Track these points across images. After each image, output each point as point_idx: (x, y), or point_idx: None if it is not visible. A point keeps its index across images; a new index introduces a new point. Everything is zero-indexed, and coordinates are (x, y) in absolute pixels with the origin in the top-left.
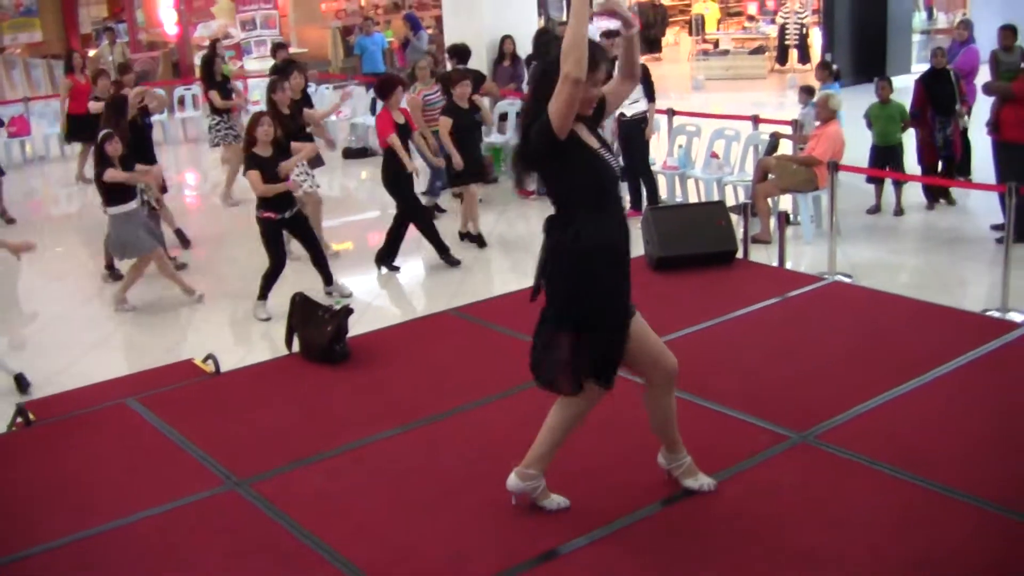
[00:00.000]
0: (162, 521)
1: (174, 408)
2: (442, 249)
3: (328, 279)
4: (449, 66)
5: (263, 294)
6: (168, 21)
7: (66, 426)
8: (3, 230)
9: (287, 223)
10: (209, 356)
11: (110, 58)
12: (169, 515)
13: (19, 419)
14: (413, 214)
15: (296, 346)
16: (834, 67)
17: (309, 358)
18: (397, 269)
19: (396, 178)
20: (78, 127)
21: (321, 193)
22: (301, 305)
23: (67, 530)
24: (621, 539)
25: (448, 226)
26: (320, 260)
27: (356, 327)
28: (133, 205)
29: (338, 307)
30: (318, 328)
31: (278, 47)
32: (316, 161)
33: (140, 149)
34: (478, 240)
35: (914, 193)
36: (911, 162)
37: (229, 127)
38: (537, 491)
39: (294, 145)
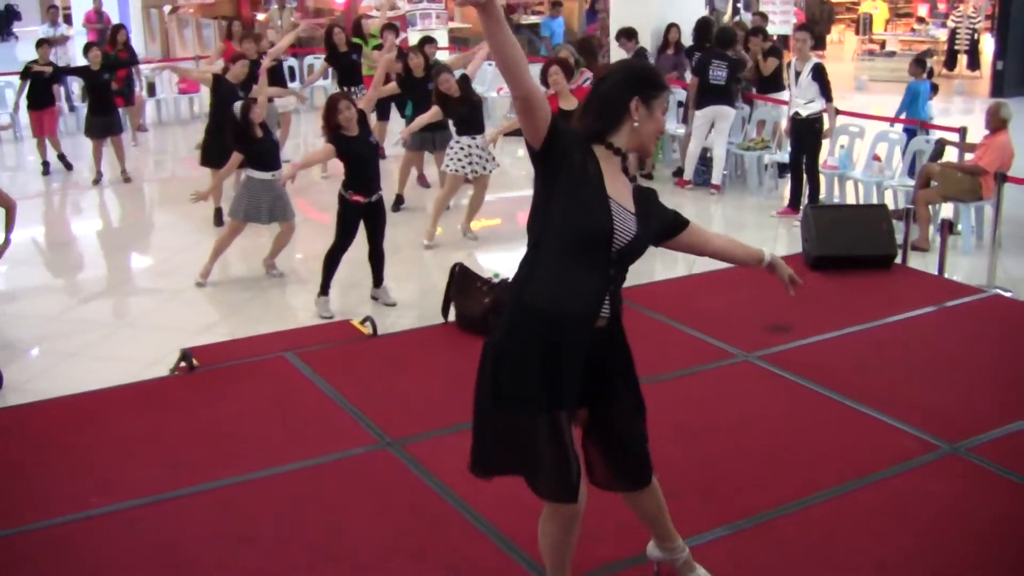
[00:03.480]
0: (313, 473)
1: (331, 365)
2: None
3: (379, 280)
4: (623, 51)
5: (325, 287)
6: None
7: (226, 374)
8: (121, 187)
9: (369, 209)
10: (367, 318)
11: (279, 22)
12: (321, 468)
13: (183, 364)
14: None
15: (452, 315)
16: (929, 65)
17: (464, 328)
18: None
19: None
20: None
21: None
22: (460, 276)
23: (221, 474)
24: (759, 534)
25: None
26: (377, 258)
27: None
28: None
29: (496, 280)
30: (475, 299)
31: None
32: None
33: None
34: None
35: None
36: None
37: None
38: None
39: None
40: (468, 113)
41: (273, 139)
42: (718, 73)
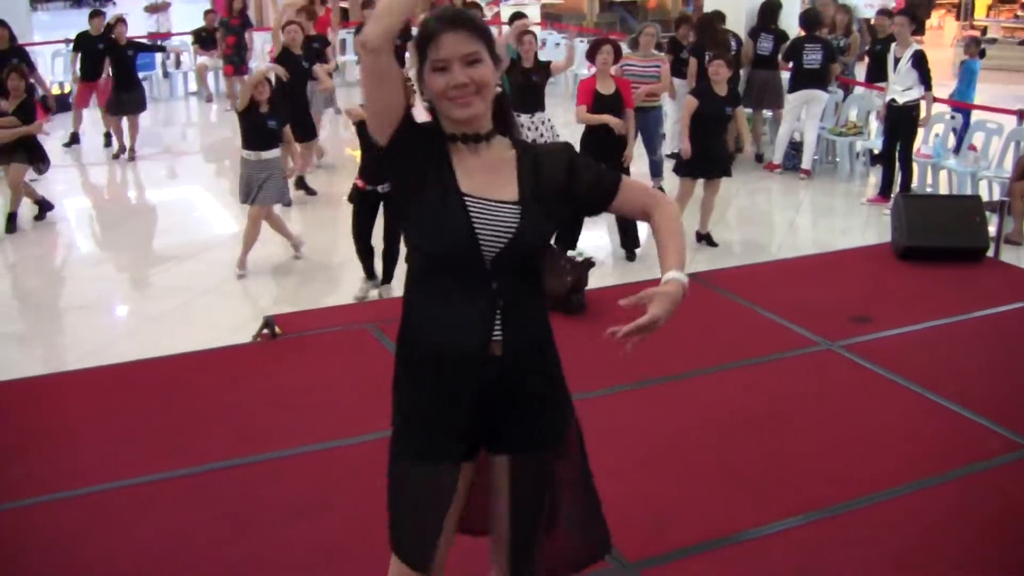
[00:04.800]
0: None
1: None
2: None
3: (388, 277)
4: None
5: (367, 271)
6: None
7: (307, 343)
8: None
9: (381, 197)
10: None
11: None
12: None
13: (265, 331)
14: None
15: None
16: (981, 46)
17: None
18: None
19: (588, 152)
20: None
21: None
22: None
23: (297, 442)
24: (831, 526)
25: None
26: (390, 255)
27: (594, 281)
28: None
29: (580, 258)
30: (558, 277)
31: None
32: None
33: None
34: (707, 239)
35: None
36: None
37: None
38: None
39: None
40: (527, 86)
41: (270, 122)
42: (813, 56)
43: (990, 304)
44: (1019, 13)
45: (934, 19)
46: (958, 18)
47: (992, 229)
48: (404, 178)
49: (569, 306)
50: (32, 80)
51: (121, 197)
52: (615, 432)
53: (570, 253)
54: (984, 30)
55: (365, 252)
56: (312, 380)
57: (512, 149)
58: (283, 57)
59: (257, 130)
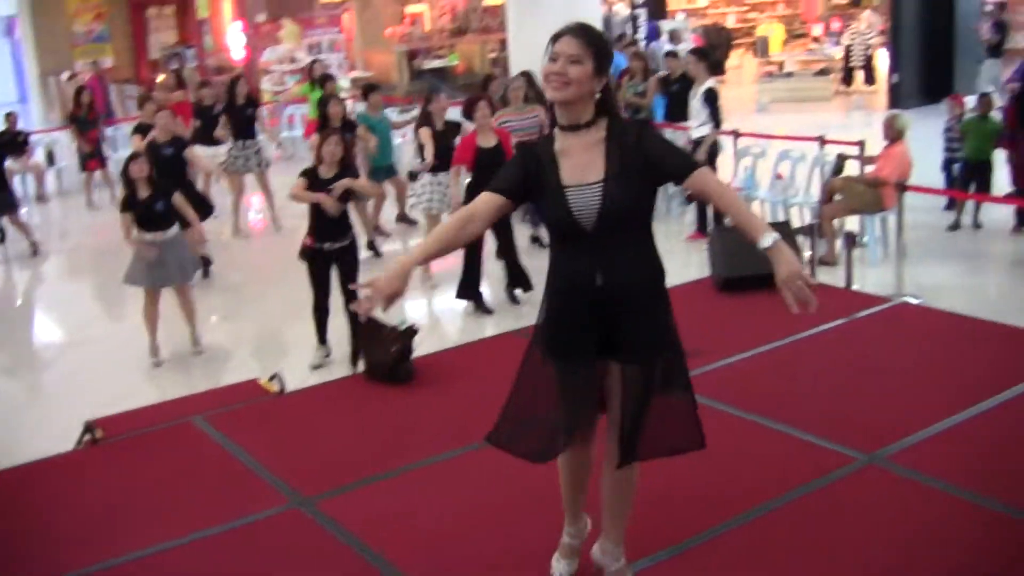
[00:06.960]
0: (226, 539)
1: (240, 427)
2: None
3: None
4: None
5: (320, 337)
6: (236, 46)
7: (133, 444)
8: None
9: (331, 255)
10: (275, 376)
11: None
12: (233, 533)
13: (87, 436)
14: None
15: (361, 366)
16: None
17: (373, 378)
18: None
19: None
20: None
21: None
22: (366, 325)
23: (130, 548)
24: (676, 566)
25: None
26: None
27: (421, 348)
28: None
29: (403, 327)
30: (383, 348)
31: (325, 78)
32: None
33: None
34: None
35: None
36: (1002, 181)
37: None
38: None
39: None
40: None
41: (157, 205)
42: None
43: (810, 324)
44: (811, 46)
45: (734, 58)
46: (755, 55)
47: (806, 253)
48: (534, 185)
49: (397, 375)
50: None
51: None
52: (467, 493)
53: (393, 323)
54: (781, 65)
55: (322, 314)
56: (141, 483)
57: (604, 132)
58: (149, 149)
59: (147, 213)
